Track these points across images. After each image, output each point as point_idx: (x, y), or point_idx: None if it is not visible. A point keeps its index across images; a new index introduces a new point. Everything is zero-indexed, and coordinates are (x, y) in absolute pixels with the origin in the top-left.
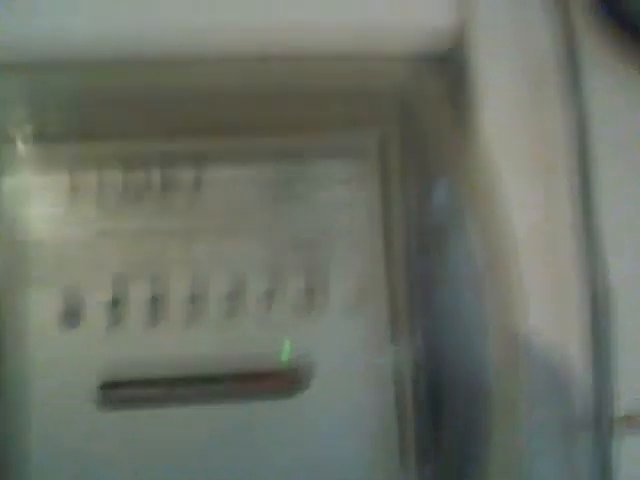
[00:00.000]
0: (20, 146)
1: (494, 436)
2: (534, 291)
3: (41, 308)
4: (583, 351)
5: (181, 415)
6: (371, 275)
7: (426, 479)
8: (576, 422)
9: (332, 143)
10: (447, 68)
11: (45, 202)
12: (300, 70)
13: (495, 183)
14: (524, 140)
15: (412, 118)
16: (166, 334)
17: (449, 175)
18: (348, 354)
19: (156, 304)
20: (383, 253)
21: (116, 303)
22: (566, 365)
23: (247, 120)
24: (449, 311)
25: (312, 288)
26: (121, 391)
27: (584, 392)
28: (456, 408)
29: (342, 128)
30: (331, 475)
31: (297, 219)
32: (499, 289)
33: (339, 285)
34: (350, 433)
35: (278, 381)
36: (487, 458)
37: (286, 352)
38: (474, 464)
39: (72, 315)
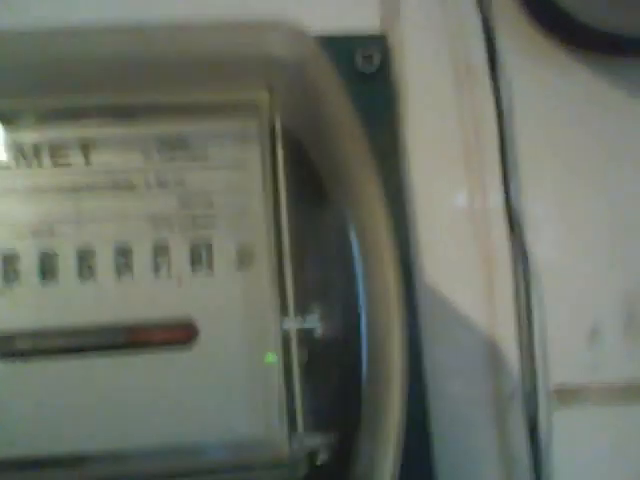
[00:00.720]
0: None
1: (373, 403)
2: (463, 273)
3: None
4: (511, 329)
5: (74, 367)
6: (258, 236)
7: (315, 444)
8: (506, 396)
9: (223, 101)
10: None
11: None
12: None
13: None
14: (450, 130)
15: (310, 88)
16: (60, 288)
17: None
18: (235, 311)
19: (48, 260)
20: (271, 215)
21: (9, 260)
22: (495, 342)
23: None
24: (336, 280)
25: (199, 245)
26: (17, 342)
27: (513, 367)
28: (342, 375)
29: (234, 88)
30: (217, 430)
31: (186, 177)
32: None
33: (225, 244)
34: (237, 389)
35: (167, 333)
36: (368, 424)
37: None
38: (358, 430)
39: None
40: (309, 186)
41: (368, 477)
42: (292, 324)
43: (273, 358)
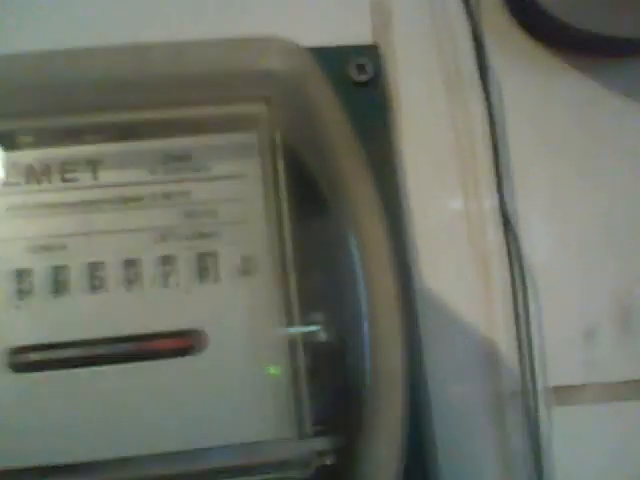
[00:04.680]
0: None
1: (375, 404)
2: (460, 275)
3: None
4: (508, 330)
5: (87, 377)
6: (261, 246)
7: (322, 447)
8: (506, 396)
9: (224, 116)
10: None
11: None
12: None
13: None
14: (443, 135)
15: (306, 100)
16: (71, 301)
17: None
18: (241, 319)
19: (59, 274)
20: (273, 225)
21: (21, 274)
22: (492, 341)
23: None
24: (338, 287)
25: (205, 255)
26: (31, 355)
27: (512, 368)
28: (348, 379)
29: (234, 103)
30: (226, 434)
31: (190, 189)
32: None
33: (229, 253)
34: (245, 394)
35: (175, 342)
36: (371, 426)
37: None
38: (362, 433)
39: None
40: (309, 196)
41: (372, 478)
42: (297, 330)
43: (277, 370)
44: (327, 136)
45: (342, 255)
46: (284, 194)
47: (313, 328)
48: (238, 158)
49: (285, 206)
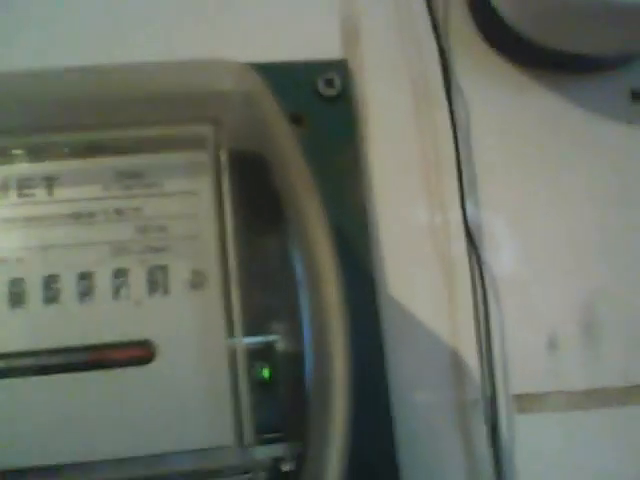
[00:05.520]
0: None
1: (319, 411)
2: (424, 286)
3: None
4: (471, 339)
5: (41, 386)
6: (210, 261)
7: (263, 457)
8: (469, 404)
9: (174, 135)
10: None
11: None
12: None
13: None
14: (410, 150)
15: (254, 120)
16: (27, 312)
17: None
18: (189, 331)
19: (16, 287)
20: (219, 241)
21: None
22: (455, 350)
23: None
24: (284, 299)
25: (155, 269)
26: None
27: (475, 376)
28: (293, 392)
29: (183, 124)
30: (171, 441)
31: (142, 206)
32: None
33: (179, 267)
34: (193, 402)
35: (127, 352)
36: (315, 437)
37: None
38: (307, 441)
39: None
40: (259, 212)
41: None
42: (238, 342)
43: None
44: (276, 154)
45: (290, 269)
46: (229, 210)
47: (257, 338)
48: (190, 176)
49: (229, 223)
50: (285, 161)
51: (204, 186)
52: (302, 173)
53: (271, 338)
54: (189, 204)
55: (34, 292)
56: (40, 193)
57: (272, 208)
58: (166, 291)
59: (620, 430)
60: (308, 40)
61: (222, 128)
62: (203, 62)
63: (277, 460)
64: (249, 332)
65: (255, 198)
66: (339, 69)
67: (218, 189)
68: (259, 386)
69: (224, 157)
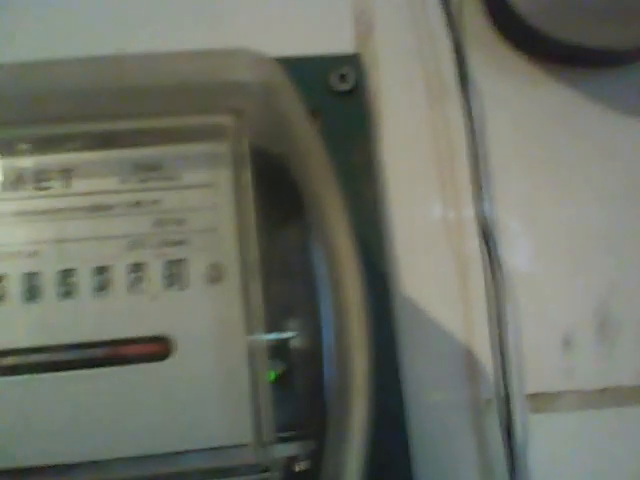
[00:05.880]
0: None
1: (340, 409)
2: (438, 283)
3: None
4: (485, 338)
5: (57, 382)
6: (230, 254)
7: (285, 452)
8: (483, 403)
9: (194, 126)
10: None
11: None
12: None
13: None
14: (424, 145)
15: (275, 111)
16: (43, 307)
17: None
18: (208, 325)
19: (32, 280)
20: (238, 234)
21: None
22: (470, 348)
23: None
24: (306, 295)
25: (173, 262)
26: (2, 360)
27: (489, 375)
28: (316, 384)
29: (203, 114)
30: (188, 439)
31: (160, 198)
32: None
33: (197, 261)
34: (211, 399)
35: (144, 348)
36: (336, 431)
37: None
38: (326, 440)
39: None
40: (281, 206)
41: None
42: (258, 339)
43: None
44: (296, 147)
45: (310, 264)
46: (250, 203)
47: (277, 335)
48: (209, 168)
49: (251, 215)
50: (306, 155)
51: (224, 178)
52: (323, 168)
53: (289, 335)
54: (208, 196)
55: (49, 286)
56: (57, 185)
57: (293, 202)
58: (183, 285)
59: (635, 429)
60: (321, 35)
61: (242, 119)
62: (223, 51)
63: (293, 459)
64: (268, 329)
65: (276, 191)
66: (352, 63)
67: (238, 181)
68: (276, 384)
69: (244, 148)
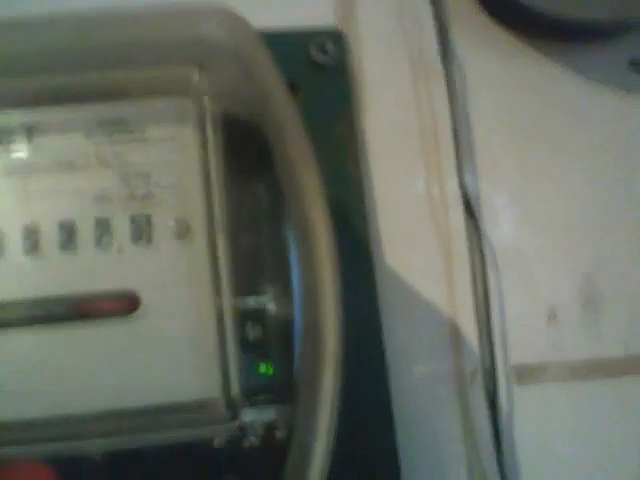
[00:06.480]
0: None
1: (307, 381)
2: (423, 256)
3: None
4: (470, 310)
5: (24, 338)
6: (194, 211)
7: (254, 420)
8: (468, 374)
9: (159, 82)
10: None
11: None
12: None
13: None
14: (407, 119)
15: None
16: (8, 264)
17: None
18: (174, 282)
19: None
20: (204, 190)
21: None
22: (455, 323)
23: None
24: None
25: (139, 218)
26: None
27: (473, 347)
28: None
29: (167, 69)
30: (160, 393)
31: (126, 153)
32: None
33: (163, 216)
34: (178, 355)
35: (112, 304)
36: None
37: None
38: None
39: None
40: (251, 164)
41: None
42: (224, 298)
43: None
44: (268, 107)
45: (280, 227)
46: (214, 159)
47: (247, 299)
48: (174, 123)
49: (215, 171)
50: (277, 116)
51: (188, 134)
52: (295, 129)
53: (261, 299)
54: (173, 152)
55: (15, 243)
56: (21, 143)
57: (262, 161)
58: (150, 240)
59: (619, 400)
60: (303, 9)
61: (207, 74)
62: (196, 6)
63: (270, 427)
64: (239, 291)
65: (244, 150)
66: (334, 37)
67: (203, 136)
68: (248, 347)
69: (208, 105)
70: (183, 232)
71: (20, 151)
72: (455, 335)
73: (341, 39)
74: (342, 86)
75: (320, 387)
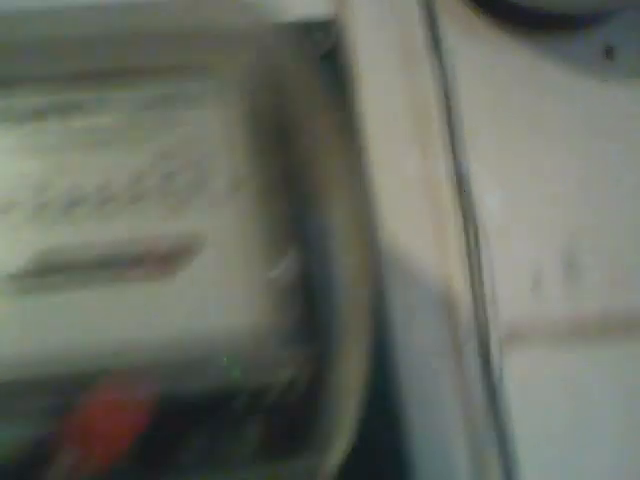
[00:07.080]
0: None
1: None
2: (417, 233)
3: None
4: (462, 282)
5: (76, 300)
6: (243, 173)
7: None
8: (462, 342)
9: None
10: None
11: None
12: None
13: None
14: (401, 108)
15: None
16: (53, 230)
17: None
18: (228, 238)
19: (44, 207)
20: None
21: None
22: (448, 294)
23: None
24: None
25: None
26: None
27: (466, 316)
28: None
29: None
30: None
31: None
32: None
33: (213, 180)
34: (224, 318)
35: (161, 262)
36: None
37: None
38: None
39: None
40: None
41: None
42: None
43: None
44: (292, 87)
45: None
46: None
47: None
48: (212, 101)
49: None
50: (300, 95)
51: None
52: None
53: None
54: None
55: (57, 211)
56: (56, 122)
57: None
58: (199, 201)
59: (601, 362)
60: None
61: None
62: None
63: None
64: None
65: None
66: (328, 28)
67: (231, 113)
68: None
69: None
70: (235, 190)
71: (56, 129)
72: (449, 305)
73: (335, 28)
74: (336, 75)
75: (349, 337)
